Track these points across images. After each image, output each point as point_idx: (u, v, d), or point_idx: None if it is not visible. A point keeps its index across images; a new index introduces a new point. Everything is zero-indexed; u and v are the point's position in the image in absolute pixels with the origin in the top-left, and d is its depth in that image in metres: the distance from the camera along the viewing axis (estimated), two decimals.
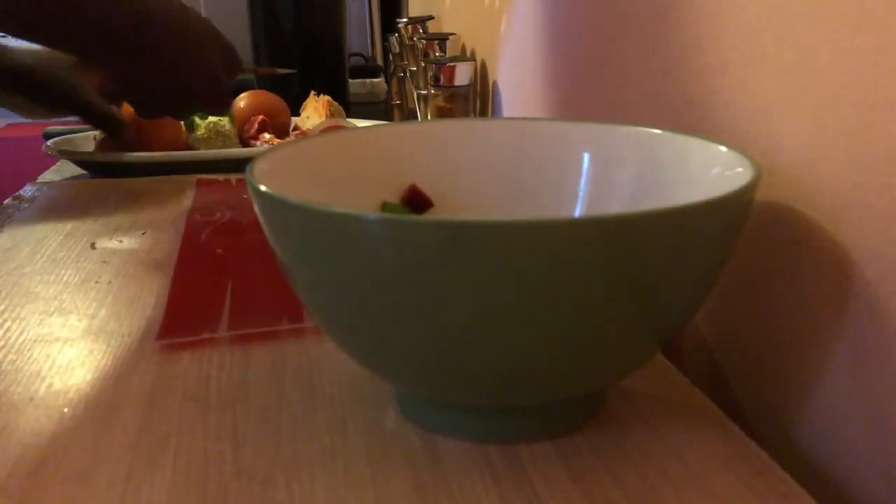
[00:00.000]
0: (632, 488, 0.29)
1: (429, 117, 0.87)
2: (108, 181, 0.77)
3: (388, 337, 0.28)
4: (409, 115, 1.08)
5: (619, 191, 0.39)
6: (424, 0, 1.36)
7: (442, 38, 0.93)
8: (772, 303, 0.36)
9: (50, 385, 0.37)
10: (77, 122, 0.83)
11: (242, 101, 0.92)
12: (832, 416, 0.32)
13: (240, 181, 0.76)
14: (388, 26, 1.43)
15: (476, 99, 0.91)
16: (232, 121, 0.85)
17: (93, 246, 0.57)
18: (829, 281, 0.32)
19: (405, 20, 1.02)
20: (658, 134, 0.38)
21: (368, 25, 1.53)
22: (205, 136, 0.83)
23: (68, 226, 0.62)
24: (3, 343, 0.41)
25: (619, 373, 0.32)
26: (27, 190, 0.74)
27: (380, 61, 1.54)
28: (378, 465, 0.30)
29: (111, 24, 0.60)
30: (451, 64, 0.84)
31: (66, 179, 0.79)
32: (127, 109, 0.81)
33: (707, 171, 0.34)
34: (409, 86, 1.05)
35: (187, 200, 0.69)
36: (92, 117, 0.78)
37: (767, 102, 0.35)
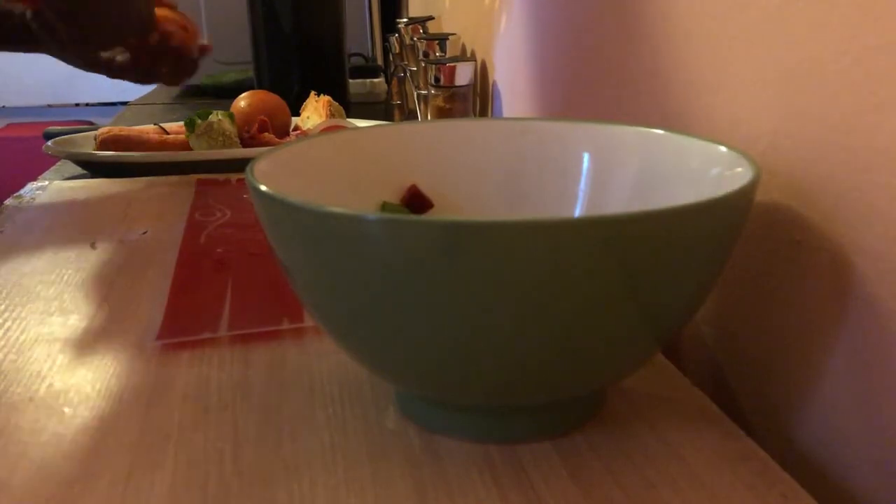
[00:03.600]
0: (632, 488, 0.29)
1: (429, 117, 0.87)
2: (108, 181, 0.77)
3: (388, 337, 0.28)
4: (409, 115, 1.08)
5: (618, 191, 0.39)
6: (424, 0, 1.36)
7: (442, 39, 0.93)
8: (772, 303, 0.36)
9: (50, 385, 0.37)
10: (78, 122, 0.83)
11: (242, 101, 0.92)
12: (832, 416, 0.32)
13: (240, 181, 0.76)
14: (388, 26, 1.43)
15: (476, 99, 0.91)
16: (232, 121, 0.85)
17: (93, 246, 0.57)
18: (829, 281, 0.32)
19: (405, 20, 1.02)
20: (658, 134, 0.38)
21: (368, 25, 1.53)
22: (205, 135, 0.83)
23: (68, 226, 0.62)
24: (3, 343, 0.41)
25: (619, 373, 0.32)
26: (27, 190, 0.74)
27: (380, 61, 1.54)
28: (378, 465, 0.31)
29: None
30: (451, 64, 0.84)
31: (66, 179, 0.79)
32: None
33: (707, 171, 0.34)
34: (409, 86, 1.05)
35: (187, 200, 0.69)
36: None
37: (767, 102, 0.35)
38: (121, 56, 0.74)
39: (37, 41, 0.69)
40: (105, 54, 0.74)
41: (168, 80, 0.80)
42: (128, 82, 0.80)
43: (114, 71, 0.75)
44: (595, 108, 0.57)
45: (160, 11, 0.76)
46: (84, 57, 0.73)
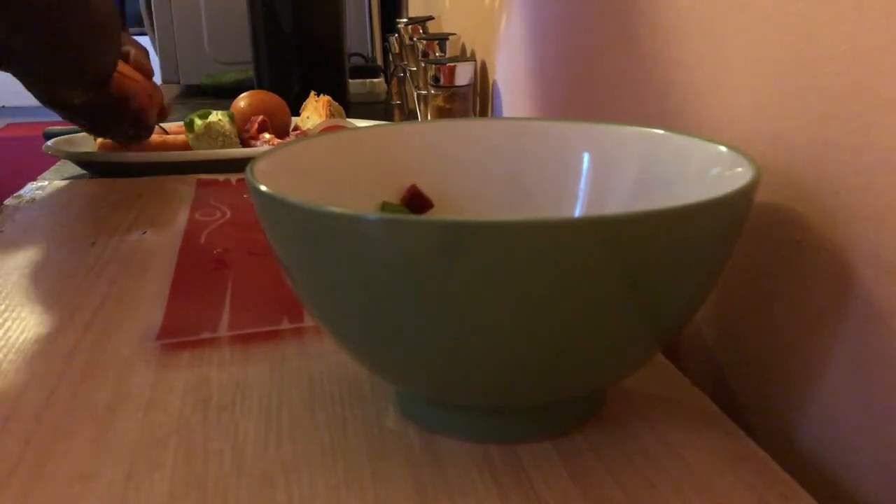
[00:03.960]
0: (632, 488, 0.29)
1: (429, 117, 0.87)
2: (108, 181, 0.77)
3: (388, 337, 0.28)
4: (409, 115, 1.08)
5: (619, 191, 0.39)
6: (424, 0, 1.36)
7: (442, 38, 0.93)
8: (772, 303, 0.36)
9: (50, 385, 0.37)
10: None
11: (242, 101, 0.92)
12: (832, 416, 0.32)
13: (240, 181, 0.76)
14: (388, 26, 1.43)
15: (476, 99, 0.91)
16: (232, 121, 0.85)
17: (93, 245, 0.57)
18: (829, 281, 0.32)
19: (405, 20, 1.02)
20: (658, 134, 0.38)
21: (368, 25, 1.53)
22: (205, 136, 0.83)
23: (68, 225, 0.62)
24: (3, 343, 0.41)
25: (619, 373, 0.32)
26: (27, 190, 0.74)
27: (380, 61, 1.54)
28: (378, 465, 0.31)
29: None
30: (451, 64, 0.84)
31: (66, 179, 0.79)
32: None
33: (707, 171, 0.34)
34: (409, 86, 1.05)
35: (187, 200, 0.69)
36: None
37: (767, 102, 0.35)
38: (79, 101, 0.73)
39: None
40: (65, 95, 0.73)
41: (121, 140, 0.80)
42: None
43: (70, 113, 0.75)
44: (595, 108, 0.57)
45: (127, 69, 0.76)
46: (43, 91, 0.73)
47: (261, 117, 0.89)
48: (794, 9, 0.33)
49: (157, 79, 1.63)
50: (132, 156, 0.80)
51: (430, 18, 1.02)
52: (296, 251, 0.29)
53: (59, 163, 0.89)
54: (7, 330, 0.43)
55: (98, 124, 0.78)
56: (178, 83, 1.51)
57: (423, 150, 0.41)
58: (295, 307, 0.45)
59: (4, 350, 0.41)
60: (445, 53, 0.92)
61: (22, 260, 0.54)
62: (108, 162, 0.81)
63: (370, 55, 1.54)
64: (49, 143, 0.83)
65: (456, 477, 0.30)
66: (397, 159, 0.41)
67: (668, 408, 0.34)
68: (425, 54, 0.93)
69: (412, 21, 1.01)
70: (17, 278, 0.51)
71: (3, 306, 0.46)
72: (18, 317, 0.45)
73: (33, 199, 0.71)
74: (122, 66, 0.74)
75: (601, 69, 0.55)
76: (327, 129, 0.78)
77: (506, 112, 0.83)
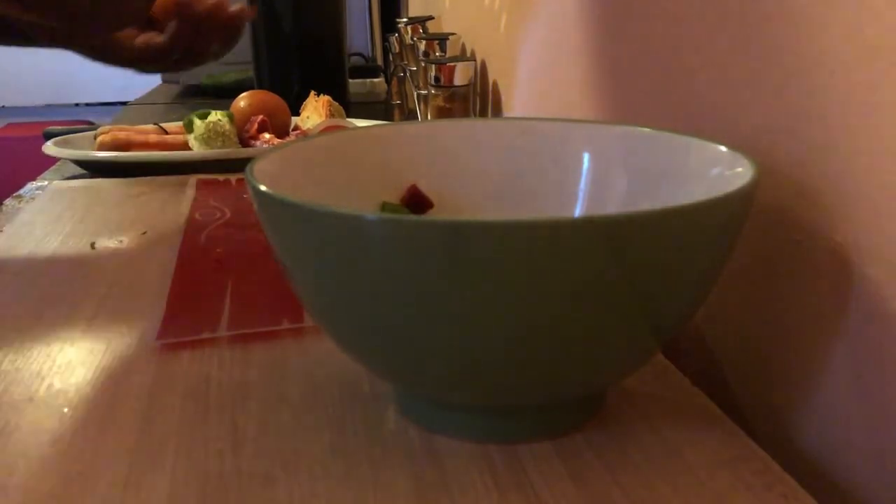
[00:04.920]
0: (632, 488, 0.29)
1: (429, 117, 0.87)
2: (108, 181, 0.77)
3: (388, 337, 0.28)
4: (409, 115, 1.08)
5: (618, 190, 0.39)
6: (424, 0, 1.36)
7: (442, 38, 0.93)
8: (772, 303, 0.36)
9: (50, 385, 0.37)
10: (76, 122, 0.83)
11: (242, 101, 0.92)
12: (832, 416, 0.32)
13: (240, 181, 0.76)
14: (388, 26, 1.43)
15: (476, 99, 0.91)
16: (231, 120, 0.85)
17: (92, 246, 0.57)
18: (829, 281, 0.32)
19: (405, 20, 1.02)
20: (658, 134, 0.38)
21: (368, 25, 1.53)
22: (204, 135, 0.83)
23: (68, 226, 0.62)
24: (2, 343, 0.41)
25: (619, 373, 0.32)
26: (27, 190, 0.74)
27: (380, 61, 1.54)
28: (378, 464, 0.31)
29: None
30: (451, 64, 0.84)
31: (66, 179, 0.79)
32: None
33: (707, 171, 0.34)
34: (409, 86, 1.05)
35: (187, 200, 0.69)
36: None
37: (768, 102, 0.35)
38: (144, 42, 0.65)
39: (30, 36, 0.63)
40: (135, 42, 0.65)
41: (215, 55, 0.72)
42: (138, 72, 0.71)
43: (146, 62, 0.66)
44: (595, 108, 0.57)
45: None
46: (94, 48, 0.66)
47: (261, 117, 0.89)
48: (794, 10, 0.33)
49: (157, 79, 1.64)
50: (132, 156, 0.80)
51: (430, 18, 1.02)
52: (296, 251, 0.29)
53: (59, 163, 0.89)
54: (7, 330, 0.43)
55: (181, 55, 0.68)
56: (178, 83, 1.51)
57: (423, 150, 0.41)
58: (295, 307, 0.45)
59: (4, 350, 0.41)
60: (445, 53, 0.92)
61: (22, 260, 0.54)
62: (108, 162, 0.81)
63: (370, 55, 1.54)
64: (49, 143, 0.83)
65: (456, 477, 0.30)
66: (397, 159, 0.41)
67: (668, 408, 0.34)
68: (425, 54, 0.93)
69: (412, 21, 1.01)
70: (17, 278, 0.51)
71: (2, 307, 0.46)
72: (18, 317, 0.45)
73: (33, 199, 0.71)
74: None
75: (601, 69, 0.55)
76: (327, 129, 0.78)
77: (506, 112, 0.83)
